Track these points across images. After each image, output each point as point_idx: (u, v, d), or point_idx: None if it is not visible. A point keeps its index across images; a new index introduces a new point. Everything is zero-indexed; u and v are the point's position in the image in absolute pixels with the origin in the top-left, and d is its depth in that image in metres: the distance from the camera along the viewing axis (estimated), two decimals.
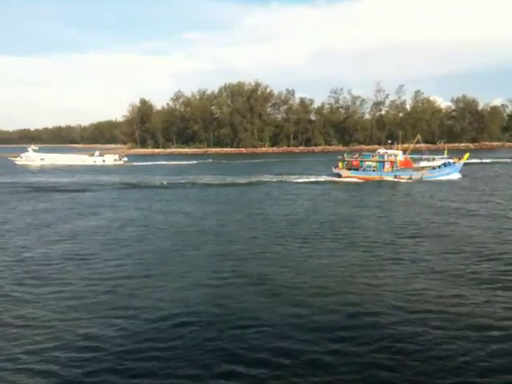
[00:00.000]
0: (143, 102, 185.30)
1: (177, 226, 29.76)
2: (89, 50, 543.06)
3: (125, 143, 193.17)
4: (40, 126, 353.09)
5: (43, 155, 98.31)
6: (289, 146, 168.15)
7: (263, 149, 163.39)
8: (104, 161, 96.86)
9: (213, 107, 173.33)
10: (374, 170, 60.84)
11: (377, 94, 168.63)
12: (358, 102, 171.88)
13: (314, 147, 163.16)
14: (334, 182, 58.22)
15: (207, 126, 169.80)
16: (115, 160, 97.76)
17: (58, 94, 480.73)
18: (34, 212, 36.20)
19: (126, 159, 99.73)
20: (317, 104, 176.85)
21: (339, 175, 60.94)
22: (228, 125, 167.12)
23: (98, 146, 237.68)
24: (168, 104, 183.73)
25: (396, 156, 66.65)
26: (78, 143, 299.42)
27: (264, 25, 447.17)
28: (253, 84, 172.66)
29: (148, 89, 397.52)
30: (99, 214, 34.64)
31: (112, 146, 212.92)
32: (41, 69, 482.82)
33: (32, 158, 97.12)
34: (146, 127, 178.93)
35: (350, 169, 61.77)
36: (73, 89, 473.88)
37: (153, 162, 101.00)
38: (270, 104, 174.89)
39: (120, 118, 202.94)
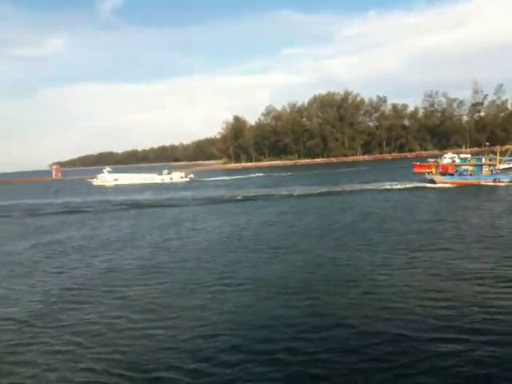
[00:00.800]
0: (236, 119, 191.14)
1: (291, 239, 28.26)
2: (195, 74, 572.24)
3: (220, 159, 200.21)
4: (147, 147, 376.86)
5: (117, 175, 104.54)
6: (381, 153, 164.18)
7: (354, 157, 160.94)
8: (171, 178, 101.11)
9: (303, 119, 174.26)
10: (471, 175, 56.69)
11: (474, 95, 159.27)
12: (454, 105, 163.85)
13: (407, 153, 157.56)
14: (427, 188, 54.68)
15: (298, 138, 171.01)
16: (181, 177, 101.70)
17: (167, 116, 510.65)
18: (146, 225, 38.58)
19: (192, 176, 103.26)
20: (411, 109, 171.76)
21: (433, 181, 57.74)
22: (318, 136, 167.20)
23: (199, 162, 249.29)
24: (259, 119, 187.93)
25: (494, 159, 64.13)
26: (180, 161, 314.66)
27: (362, 34, 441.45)
28: (342, 93, 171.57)
29: (248, 106, 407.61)
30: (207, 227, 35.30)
31: (209, 162, 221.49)
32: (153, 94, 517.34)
33: (107, 178, 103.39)
34: (239, 143, 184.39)
35: (444, 174, 58.43)
36: (180, 111, 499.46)
37: (217, 178, 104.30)
38: (361, 112, 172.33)
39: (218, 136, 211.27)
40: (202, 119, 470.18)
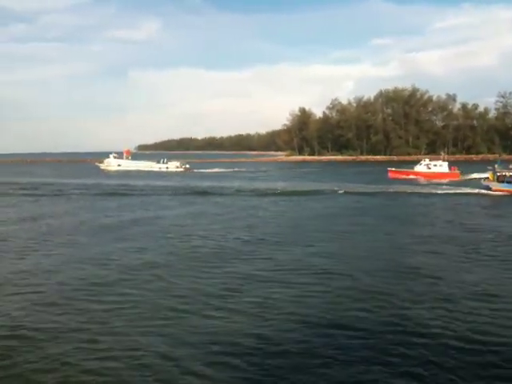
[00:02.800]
0: (302, 111, 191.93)
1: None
2: (281, 62, 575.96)
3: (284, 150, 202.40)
4: (226, 134, 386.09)
5: (120, 161, 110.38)
6: (447, 153, 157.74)
7: (415, 156, 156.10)
8: (167, 168, 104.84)
9: (367, 114, 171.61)
10: None
11: None
12: None
13: (473, 155, 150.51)
14: (482, 194, 50.85)
15: (361, 134, 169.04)
16: (177, 167, 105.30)
17: (253, 105, 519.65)
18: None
19: (187, 166, 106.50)
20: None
21: (489, 188, 53.87)
22: (381, 132, 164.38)
23: (269, 152, 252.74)
24: (324, 112, 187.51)
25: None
26: (254, 150, 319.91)
27: (455, 27, 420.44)
28: (409, 89, 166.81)
29: (333, 97, 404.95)
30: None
31: (276, 153, 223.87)
32: (237, 81, 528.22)
33: (111, 163, 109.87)
34: (303, 135, 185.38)
35: (502, 181, 53.79)
36: (264, 99, 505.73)
37: (212, 170, 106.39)
38: (428, 110, 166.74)
39: None
40: (286, 108, 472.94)
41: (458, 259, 21.26)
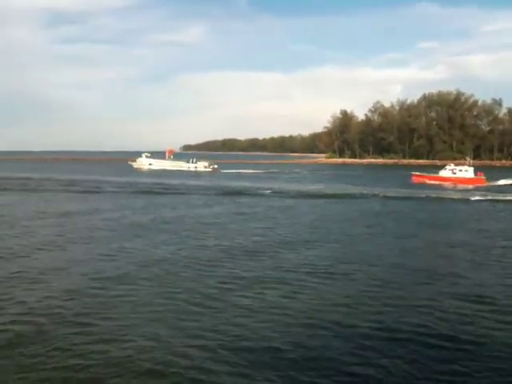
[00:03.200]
0: (344, 113, 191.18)
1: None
2: (326, 65, 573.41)
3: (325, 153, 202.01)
4: (269, 136, 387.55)
5: (151, 161, 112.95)
6: (492, 159, 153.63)
7: (460, 161, 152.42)
8: (196, 167, 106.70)
9: (410, 118, 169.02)
10: None
11: None
12: None
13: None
14: None
15: (403, 137, 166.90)
16: (205, 167, 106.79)
17: (297, 108, 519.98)
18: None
19: (215, 166, 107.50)
20: None
21: None
22: (424, 136, 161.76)
23: (310, 155, 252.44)
24: (366, 115, 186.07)
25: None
26: (297, 152, 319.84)
27: (504, 30, 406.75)
28: (454, 93, 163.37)
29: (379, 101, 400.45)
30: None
31: (318, 155, 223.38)
32: (283, 84, 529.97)
33: (143, 162, 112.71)
34: (344, 138, 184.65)
35: None
36: (309, 102, 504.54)
37: (240, 170, 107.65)
38: (473, 115, 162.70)
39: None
40: (330, 112, 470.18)
41: None
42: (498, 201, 47.49)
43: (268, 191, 54.07)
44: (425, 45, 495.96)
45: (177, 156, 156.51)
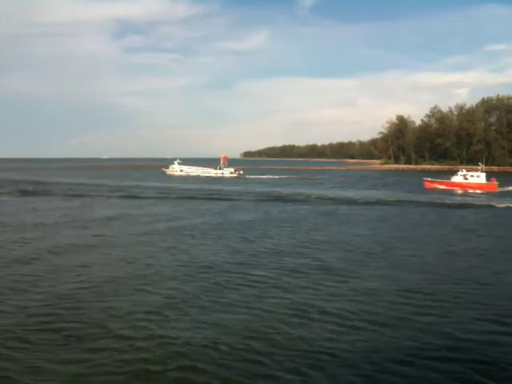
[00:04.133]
0: (400, 119, 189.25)
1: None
2: (389, 70, 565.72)
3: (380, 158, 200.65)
4: (326, 142, 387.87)
5: (182, 167, 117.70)
6: None
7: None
8: (222, 173, 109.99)
9: (468, 123, 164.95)
10: None
11: None
12: None
13: None
14: None
15: (460, 143, 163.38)
16: (231, 173, 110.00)
17: (358, 113, 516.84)
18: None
19: (241, 172, 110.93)
20: None
21: None
22: (482, 142, 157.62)
23: (369, 161, 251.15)
24: (422, 120, 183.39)
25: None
26: (356, 158, 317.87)
27: None
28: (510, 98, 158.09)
29: (445, 106, 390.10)
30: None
31: (373, 161, 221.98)
32: (343, 90, 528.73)
33: (175, 169, 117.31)
34: (399, 143, 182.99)
35: None
36: (371, 107, 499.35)
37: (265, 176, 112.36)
38: None
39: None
40: (393, 117, 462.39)
41: None
42: None
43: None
44: (493, 47, 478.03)
45: (236, 162, 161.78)
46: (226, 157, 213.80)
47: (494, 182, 68.02)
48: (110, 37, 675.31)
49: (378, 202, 50.78)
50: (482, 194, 63.25)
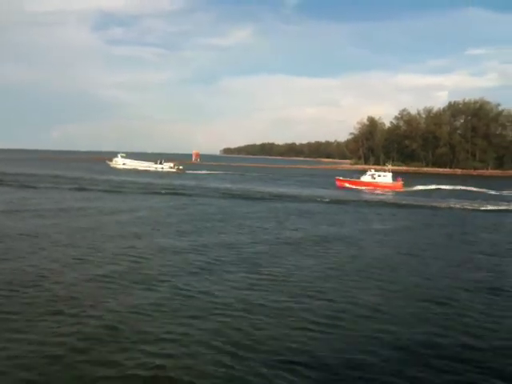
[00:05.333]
0: (371, 120, 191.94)
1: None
2: (372, 70, 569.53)
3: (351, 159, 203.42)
4: (311, 140, 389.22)
5: (125, 160, 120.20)
6: None
7: (481, 171, 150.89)
8: (162, 168, 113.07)
9: (434, 126, 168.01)
10: None
11: None
12: None
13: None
14: None
15: (426, 145, 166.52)
16: (170, 167, 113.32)
17: (340, 113, 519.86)
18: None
19: (180, 167, 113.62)
20: None
21: None
22: (447, 145, 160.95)
23: (344, 161, 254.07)
24: (391, 122, 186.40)
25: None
26: (333, 158, 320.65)
27: None
28: (479, 102, 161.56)
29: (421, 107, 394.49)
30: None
31: (347, 160, 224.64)
32: (326, 89, 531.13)
33: (119, 162, 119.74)
34: (369, 145, 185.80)
35: None
36: (353, 107, 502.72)
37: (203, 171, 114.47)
38: (497, 124, 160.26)
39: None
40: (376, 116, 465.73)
41: None
42: None
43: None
44: (474, 51, 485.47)
45: (214, 159, 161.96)
46: (197, 153, 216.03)
47: (400, 182, 72.91)
48: (94, 28, 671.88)
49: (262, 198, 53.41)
50: (387, 192, 67.20)
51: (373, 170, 77.30)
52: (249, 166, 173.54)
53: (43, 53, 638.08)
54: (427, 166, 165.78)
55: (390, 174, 74.31)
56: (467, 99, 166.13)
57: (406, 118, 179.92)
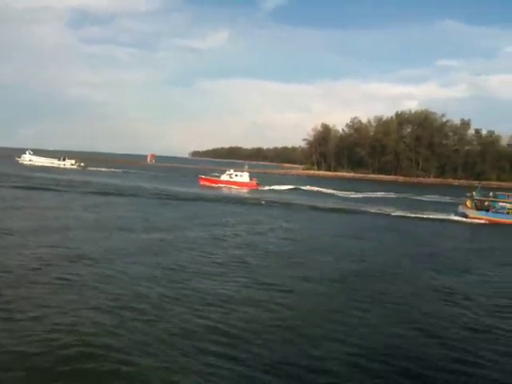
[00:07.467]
0: (325, 127, 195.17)
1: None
2: (349, 78, 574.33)
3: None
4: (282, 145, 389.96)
5: (32, 157, 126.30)
6: (456, 178, 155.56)
7: (420, 179, 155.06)
8: (64, 164, 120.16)
9: (382, 134, 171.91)
10: (508, 213, 51.00)
11: None
12: None
13: (479, 182, 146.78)
14: (458, 222, 49.94)
15: (374, 153, 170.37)
16: (71, 164, 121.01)
17: (313, 118, 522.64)
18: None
19: (82, 164, 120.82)
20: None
21: (465, 215, 52.02)
22: (392, 152, 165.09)
23: (296, 165, 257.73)
24: (343, 129, 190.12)
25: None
26: (294, 163, 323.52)
27: None
28: (425, 112, 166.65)
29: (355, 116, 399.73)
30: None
31: (297, 166, 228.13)
32: (300, 95, 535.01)
33: (26, 158, 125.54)
34: (321, 151, 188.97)
35: (480, 209, 52.87)
36: (326, 113, 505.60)
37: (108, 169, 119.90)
38: (441, 134, 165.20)
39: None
40: (341, 124, 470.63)
41: None
42: (442, 220, 50.33)
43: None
44: (445, 62, 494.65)
45: (179, 161, 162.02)
46: (152, 155, 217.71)
47: (254, 182, 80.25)
48: (68, 26, 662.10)
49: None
50: (243, 190, 75.04)
51: (232, 170, 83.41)
52: (186, 167, 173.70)
53: (15, 50, 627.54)
54: (374, 172, 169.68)
55: (247, 174, 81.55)
56: (414, 110, 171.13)
57: (357, 126, 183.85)
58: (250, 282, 19.90)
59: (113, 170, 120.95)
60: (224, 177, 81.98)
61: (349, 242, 32.88)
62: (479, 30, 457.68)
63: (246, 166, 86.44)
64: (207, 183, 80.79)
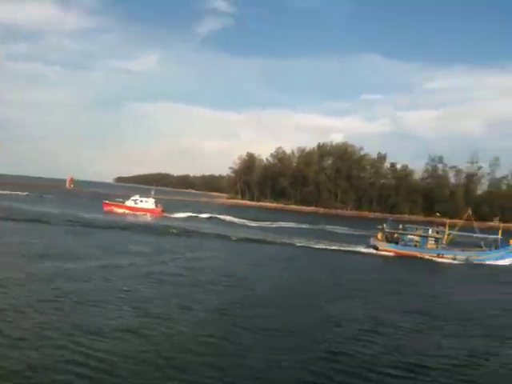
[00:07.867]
0: (249, 156, 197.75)
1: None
2: (277, 108, 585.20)
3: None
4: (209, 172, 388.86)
5: None
6: (372, 211, 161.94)
7: (339, 211, 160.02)
8: None
9: (303, 165, 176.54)
10: (415, 246, 53.10)
11: (468, 166, 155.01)
12: (452, 172, 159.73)
13: (397, 215, 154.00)
14: (367, 254, 51.27)
15: (296, 183, 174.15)
16: None
17: (241, 147, 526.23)
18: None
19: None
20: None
21: (375, 247, 53.89)
22: (313, 184, 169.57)
23: (221, 194, 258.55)
24: (267, 159, 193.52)
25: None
26: (221, 192, 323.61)
27: (446, 89, 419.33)
28: (343, 145, 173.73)
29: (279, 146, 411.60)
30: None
31: (223, 194, 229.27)
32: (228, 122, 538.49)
33: None
34: (245, 180, 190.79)
35: (390, 241, 54.64)
36: (253, 142, 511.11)
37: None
38: (359, 167, 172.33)
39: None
40: (268, 153, 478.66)
41: None
42: (354, 252, 51.44)
43: None
44: (369, 96, 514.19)
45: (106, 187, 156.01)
46: (72, 178, 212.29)
47: (160, 208, 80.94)
48: None
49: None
50: (147, 216, 75.04)
51: (137, 196, 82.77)
52: (103, 192, 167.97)
53: None
54: (296, 203, 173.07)
55: (152, 200, 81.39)
56: (335, 142, 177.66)
57: (280, 156, 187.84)
58: (133, 312, 20.25)
59: (27, 193, 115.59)
60: (129, 202, 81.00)
61: (247, 271, 33.60)
62: (401, 65, 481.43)
63: (153, 192, 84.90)
64: (111, 208, 79.45)
